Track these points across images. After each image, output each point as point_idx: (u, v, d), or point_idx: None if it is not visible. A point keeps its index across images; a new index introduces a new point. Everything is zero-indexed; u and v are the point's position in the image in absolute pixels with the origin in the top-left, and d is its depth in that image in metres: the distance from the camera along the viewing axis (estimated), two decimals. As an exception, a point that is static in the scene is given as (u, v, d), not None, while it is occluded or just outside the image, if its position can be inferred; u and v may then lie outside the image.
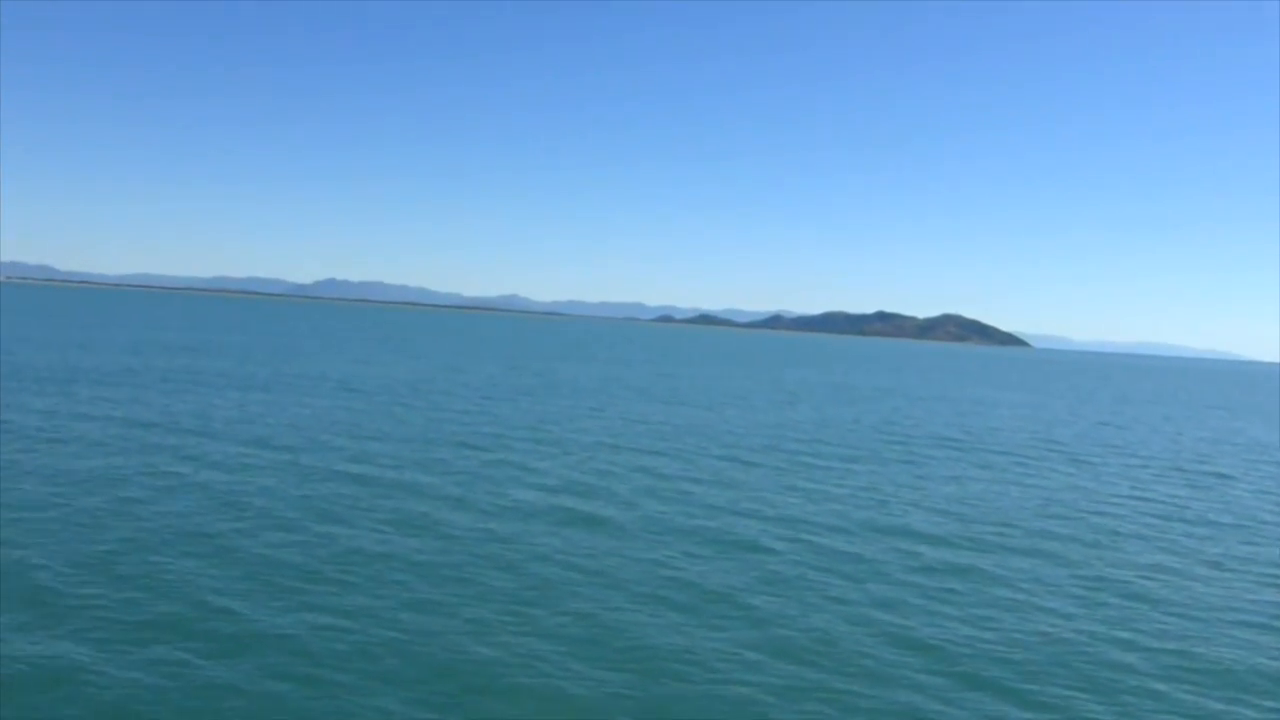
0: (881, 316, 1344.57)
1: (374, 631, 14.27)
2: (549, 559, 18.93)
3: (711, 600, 16.91)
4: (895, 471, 33.66)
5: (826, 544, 21.71)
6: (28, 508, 20.27)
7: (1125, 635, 16.26)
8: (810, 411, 55.43)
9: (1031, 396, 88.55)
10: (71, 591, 15.14)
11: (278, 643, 13.59)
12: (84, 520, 19.60)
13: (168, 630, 13.79)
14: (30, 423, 31.74)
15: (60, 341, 73.83)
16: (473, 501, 23.93)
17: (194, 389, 45.94)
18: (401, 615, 15.06)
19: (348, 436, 33.47)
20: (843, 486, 29.68)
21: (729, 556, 20.07)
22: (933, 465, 35.93)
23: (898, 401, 69.06)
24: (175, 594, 15.39)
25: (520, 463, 30.41)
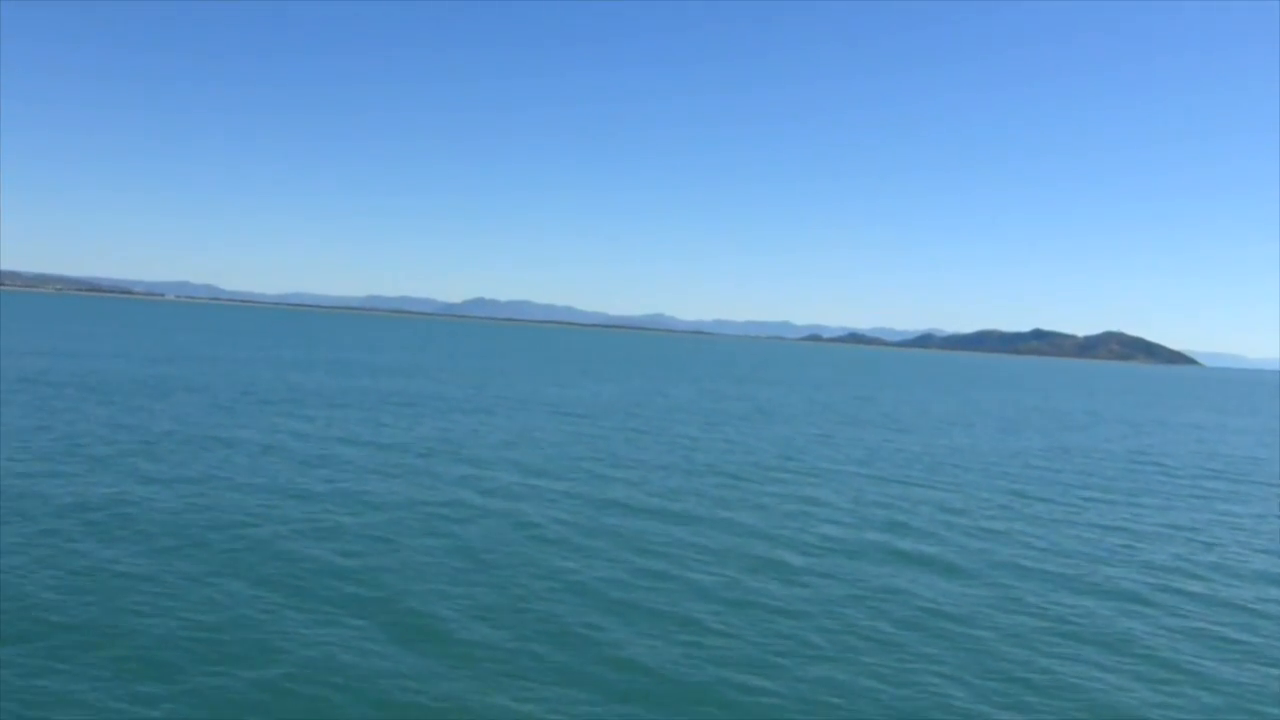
0: (1038, 334, 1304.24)
1: (787, 688, 13.13)
2: (917, 605, 17.54)
3: (1146, 659, 15.27)
4: (1198, 508, 31.26)
5: (1220, 594, 19.79)
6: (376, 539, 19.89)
7: None
8: (1041, 438, 52.77)
9: (1252, 420, 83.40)
10: (460, 628, 14.45)
11: (663, 688, 12.59)
12: (423, 548, 19.08)
13: (559, 669, 12.93)
14: (295, 446, 31.90)
15: (270, 359, 75.71)
16: (786, 537, 22.72)
17: (421, 412, 46.07)
18: (808, 669, 13.90)
19: (607, 464, 32.72)
20: (1162, 524, 27.54)
21: (1119, 606, 18.36)
22: (1228, 500, 33.35)
23: (1119, 427, 65.56)
24: (574, 640, 14.56)
25: (801, 494, 29.11)
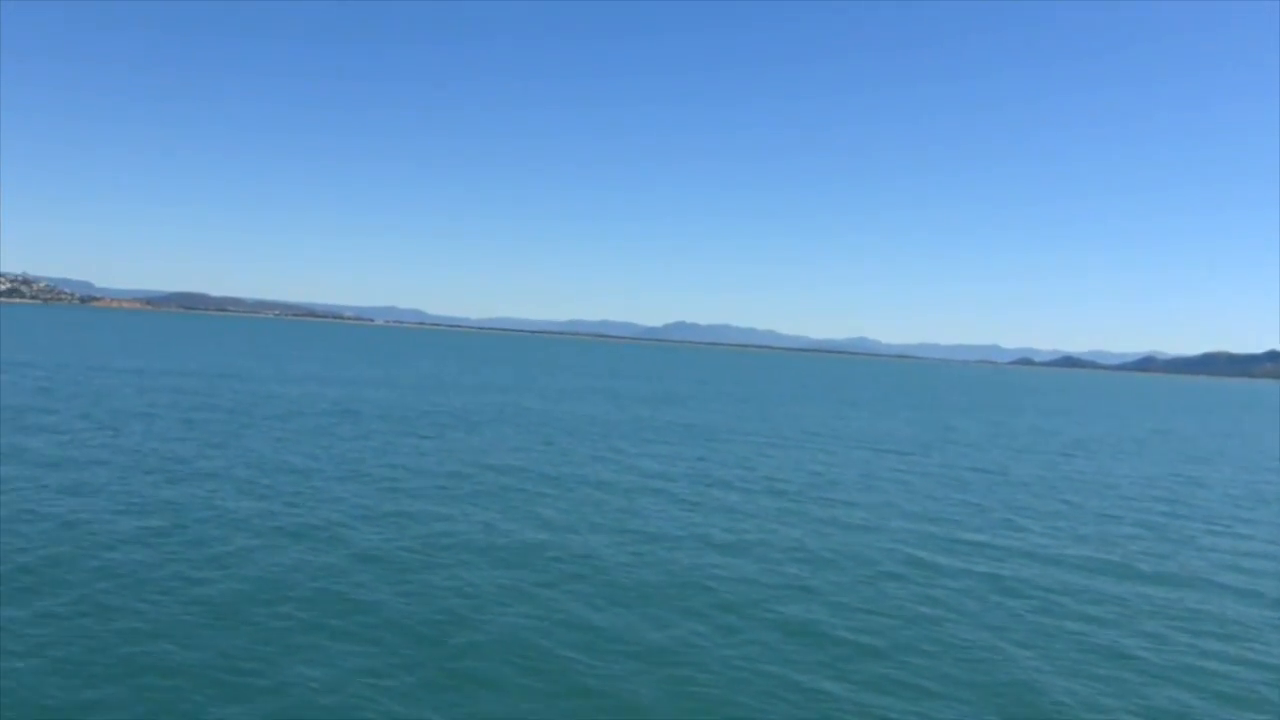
0: (1273, 356, 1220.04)
1: None
2: None
3: None
4: None
5: None
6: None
7: None
8: None
9: None
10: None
11: None
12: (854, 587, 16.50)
13: None
14: (670, 484, 30.00)
15: (535, 387, 75.55)
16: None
17: (741, 446, 43.89)
18: None
19: (1008, 512, 29.60)
20: None
21: None
22: None
23: None
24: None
25: (1239, 548, 25.30)
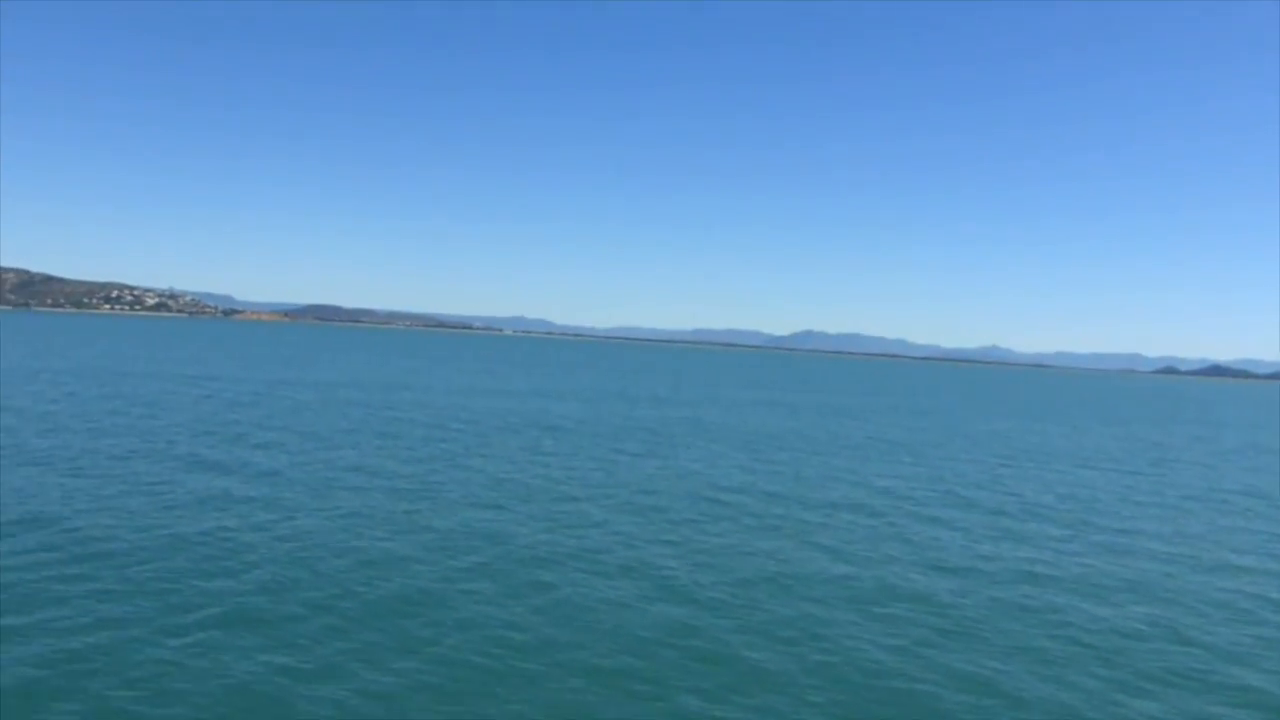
0: None
1: None
2: None
3: None
4: None
5: None
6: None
7: None
8: None
9: None
10: None
11: None
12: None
13: None
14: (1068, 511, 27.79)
15: (704, 399, 73.94)
16: None
17: (969, 463, 41.36)
18: None
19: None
20: None
21: None
22: None
23: None
24: None
25: None
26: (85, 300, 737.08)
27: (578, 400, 67.05)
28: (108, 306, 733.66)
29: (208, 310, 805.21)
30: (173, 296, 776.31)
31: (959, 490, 32.98)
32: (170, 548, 18.35)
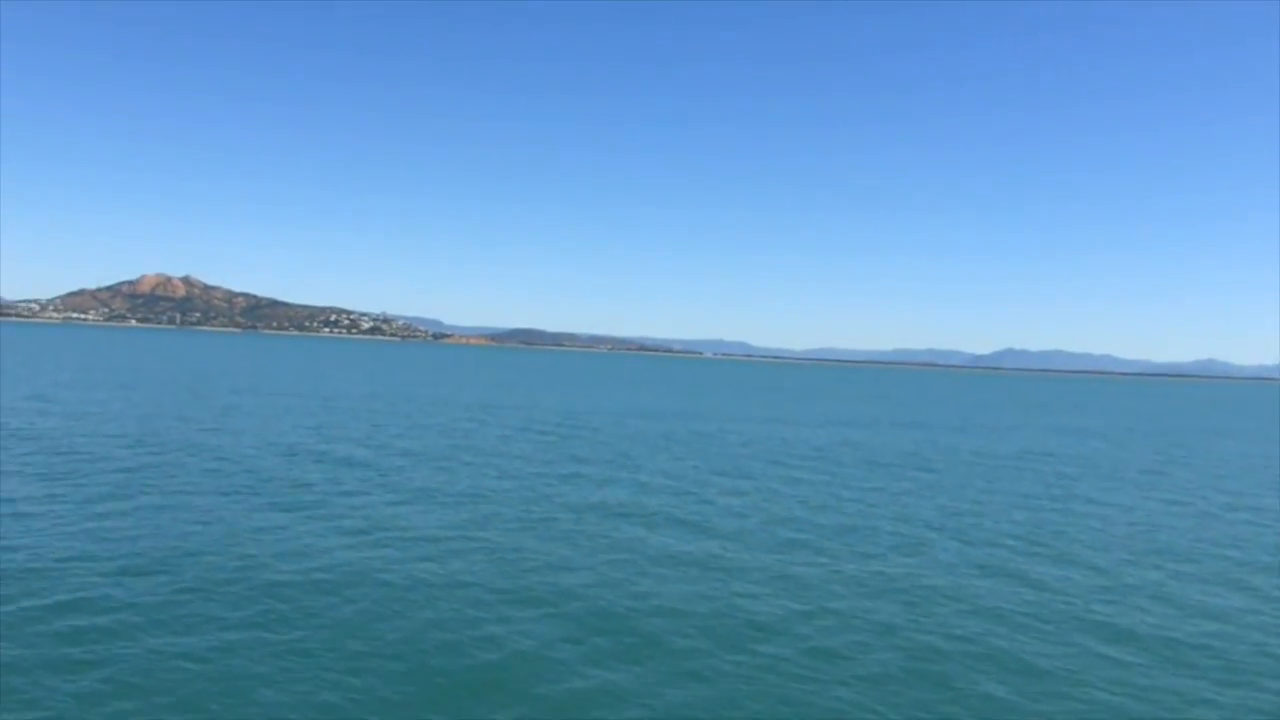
0: None
1: None
2: None
3: None
4: None
5: None
6: None
7: None
8: None
9: None
10: None
11: None
12: None
13: None
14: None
15: (952, 423, 73.75)
16: None
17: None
18: None
19: None
20: None
21: None
22: None
23: None
24: None
25: None
26: (307, 324, 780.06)
27: (837, 426, 68.03)
28: (327, 330, 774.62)
29: (418, 334, 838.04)
30: (386, 321, 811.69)
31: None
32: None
